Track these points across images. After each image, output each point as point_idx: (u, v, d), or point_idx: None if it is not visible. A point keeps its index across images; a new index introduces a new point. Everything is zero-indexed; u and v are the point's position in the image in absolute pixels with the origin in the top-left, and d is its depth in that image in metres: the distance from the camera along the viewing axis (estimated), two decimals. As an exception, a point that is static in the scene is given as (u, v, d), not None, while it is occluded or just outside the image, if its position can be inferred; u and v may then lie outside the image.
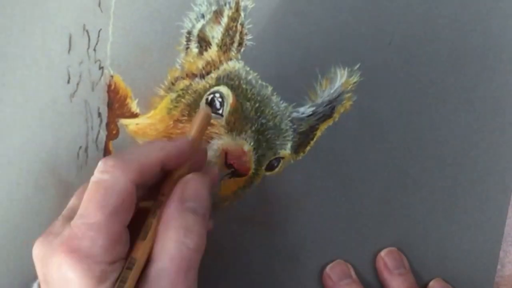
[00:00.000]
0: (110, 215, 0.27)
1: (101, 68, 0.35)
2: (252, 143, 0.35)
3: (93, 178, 0.28)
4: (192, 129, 0.31)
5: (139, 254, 0.27)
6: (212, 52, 0.35)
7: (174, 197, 0.30)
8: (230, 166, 0.35)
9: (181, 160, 0.30)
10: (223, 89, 0.35)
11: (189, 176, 0.30)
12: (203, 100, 0.35)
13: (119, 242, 0.27)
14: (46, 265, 0.27)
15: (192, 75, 0.35)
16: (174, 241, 0.28)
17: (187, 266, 0.28)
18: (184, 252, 0.28)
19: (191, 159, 0.30)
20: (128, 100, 0.35)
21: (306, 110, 0.36)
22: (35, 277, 0.30)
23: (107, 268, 0.26)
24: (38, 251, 0.28)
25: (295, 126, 0.36)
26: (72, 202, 0.31)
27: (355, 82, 0.36)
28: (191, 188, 0.30)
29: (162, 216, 0.29)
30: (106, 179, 0.28)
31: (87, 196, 0.28)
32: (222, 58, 0.35)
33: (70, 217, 0.28)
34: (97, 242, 0.26)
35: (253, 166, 0.36)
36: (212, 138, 0.35)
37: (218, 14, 0.35)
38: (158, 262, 0.28)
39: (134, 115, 0.35)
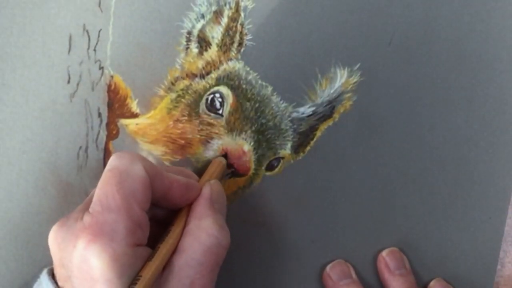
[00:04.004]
0: (128, 197, 0.27)
1: (101, 68, 0.35)
2: (252, 143, 0.35)
3: (106, 168, 0.28)
4: (205, 176, 0.33)
5: (145, 272, 0.27)
6: (212, 52, 0.35)
7: (205, 196, 0.31)
8: (230, 166, 0.35)
9: (184, 197, 0.31)
10: (223, 89, 0.35)
11: (212, 181, 0.32)
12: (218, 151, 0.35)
13: (139, 226, 0.27)
14: (65, 249, 0.27)
15: (192, 75, 0.35)
16: (209, 235, 0.29)
17: (216, 261, 0.29)
18: (216, 247, 0.29)
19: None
20: (128, 100, 0.35)
21: (306, 110, 0.36)
22: (42, 268, 0.30)
23: (129, 252, 0.27)
24: (56, 235, 0.28)
25: (295, 126, 0.36)
26: (87, 198, 0.31)
27: (355, 82, 0.36)
28: (216, 191, 0.31)
29: (192, 210, 0.30)
30: (121, 164, 0.28)
31: (102, 183, 0.28)
32: (222, 58, 0.35)
33: (87, 207, 0.28)
34: (119, 224, 0.27)
35: (253, 166, 0.36)
36: (212, 138, 0.35)
37: (218, 14, 0.35)
38: (188, 252, 0.28)
39: (134, 115, 0.35)
